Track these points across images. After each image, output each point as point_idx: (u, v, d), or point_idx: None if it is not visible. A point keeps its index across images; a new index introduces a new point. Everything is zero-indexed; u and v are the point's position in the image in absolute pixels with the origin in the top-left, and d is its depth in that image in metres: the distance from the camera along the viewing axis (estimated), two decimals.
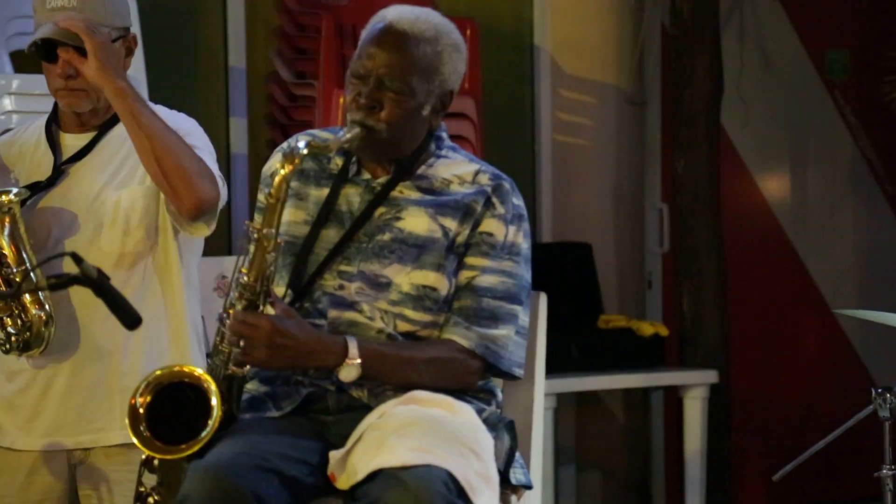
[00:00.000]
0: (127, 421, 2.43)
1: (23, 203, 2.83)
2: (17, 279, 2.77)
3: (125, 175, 2.86)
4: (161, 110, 2.85)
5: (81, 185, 2.86)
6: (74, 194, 2.86)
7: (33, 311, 2.78)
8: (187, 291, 2.90)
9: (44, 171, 2.89)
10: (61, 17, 2.76)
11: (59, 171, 2.86)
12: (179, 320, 2.87)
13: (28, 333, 2.79)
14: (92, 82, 2.75)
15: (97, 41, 2.72)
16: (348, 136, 2.54)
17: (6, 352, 2.82)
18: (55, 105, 2.94)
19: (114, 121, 2.88)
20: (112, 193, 2.84)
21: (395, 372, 2.51)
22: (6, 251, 2.78)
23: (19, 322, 2.78)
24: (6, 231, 2.78)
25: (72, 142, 2.90)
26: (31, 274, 2.73)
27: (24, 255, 2.78)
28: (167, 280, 2.87)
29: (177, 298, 2.87)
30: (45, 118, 2.96)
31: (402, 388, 2.52)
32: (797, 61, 5.78)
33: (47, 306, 2.79)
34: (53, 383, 2.85)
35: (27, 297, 2.77)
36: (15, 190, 2.80)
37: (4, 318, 2.79)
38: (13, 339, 2.79)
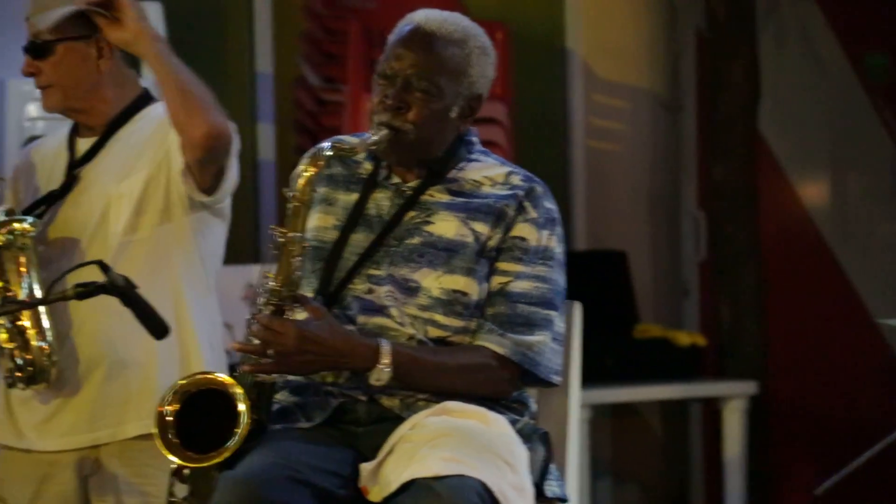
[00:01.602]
0: (155, 430, 2.43)
1: (29, 212, 2.88)
2: (23, 316, 2.82)
3: (128, 170, 2.90)
4: None
5: (91, 187, 2.91)
6: (84, 197, 2.90)
7: (35, 344, 2.82)
8: (198, 285, 2.93)
9: (58, 175, 2.94)
10: (33, 13, 2.87)
11: (72, 176, 2.92)
12: (182, 310, 2.90)
13: (31, 368, 2.82)
14: (133, 34, 2.82)
15: None
16: (375, 137, 2.53)
17: (11, 385, 2.85)
18: None
19: (120, 121, 2.93)
20: (115, 188, 2.89)
21: (426, 377, 2.48)
22: (14, 288, 2.82)
23: (24, 356, 2.82)
24: (18, 267, 2.82)
25: (84, 146, 2.95)
26: (36, 289, 2.79)
27: (34, 287, 2.82)
28: (170, 265, 2.90)
29: (180, 287, 2.91)
30: (68, 126, 3.02)
31: (434, 394, 2.49)
32: (836, 65, 5.72)
33: (49, 336, 2.83)
34: (69, 384, 2.87)
35: (29, 330, 2.82)
36: (30, 219, 2.84)
37: (14, 352, 2.82)
38: (16, 374, 2.83)
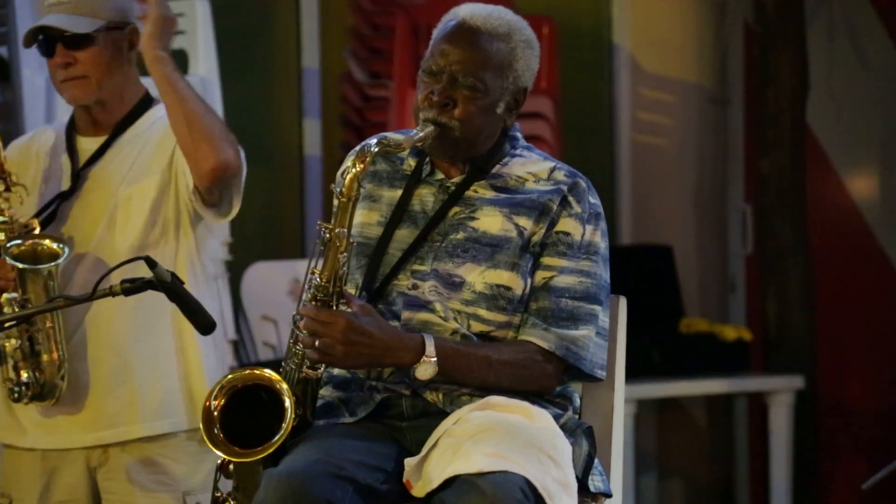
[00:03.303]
0: (201, 425, 2.43)
1: (41, 213, 2.88)
2: (40, 340, 2.83)
3: (137, 172, 2.91)
4: None
5: (99, 188, 2.92)
6: (93, 197, 2.91)
7: (46, 360, 2.83)
8: (200, 290, 2.94)
9: (60, 175, 2.95)
10: (59, 11, 2.85)
11: (78, 176, 2.92)
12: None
13: (41, 386, 2.83)
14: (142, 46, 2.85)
15: (160, 12, 2.85)
16: (421, 134, 2.52)
17: (16, 400, 2.86)
18: (73, 112, 2.99)
19: (127, 122, 2.94)
20: (124, 190, 2.90)
21: (471, 371, 2.48)
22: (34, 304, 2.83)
23: (35, 374, 2.83)
24: (42, 294, 2.83)
25: (88, 145, 2.96)
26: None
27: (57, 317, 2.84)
28: (176, 269, 2.87)
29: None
30: (61, 122, 3.02)
31: (479, 388, 2.49)
32: (885, 57, 5.65)
33: (62, 349, 2.84)
34: (74, 383, 2.88)
35: (43, 345, 2.82)
36: (60, 245, 2.84)
37: (19, 364, 2.83)
38: (23, 388, 2.83)
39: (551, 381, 2.54)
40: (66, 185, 2.92)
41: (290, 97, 4.89)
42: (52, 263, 2.81)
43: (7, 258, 2.80)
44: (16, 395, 2.84)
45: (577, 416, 2.59)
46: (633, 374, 3.05)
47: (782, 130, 5.36)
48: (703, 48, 5.61)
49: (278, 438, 2.38)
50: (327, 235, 2.45)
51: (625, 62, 5.48)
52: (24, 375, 2.82)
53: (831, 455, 5.54)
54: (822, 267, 5.49)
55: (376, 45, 4.87)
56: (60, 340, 2.84)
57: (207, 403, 2.43)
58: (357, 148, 2.49)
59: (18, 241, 2.82)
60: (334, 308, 2.44)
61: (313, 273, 2.45)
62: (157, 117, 2.93)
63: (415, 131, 2.53)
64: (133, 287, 2.51)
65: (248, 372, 2.47)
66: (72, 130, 2.97)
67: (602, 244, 2.58)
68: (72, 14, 2.85)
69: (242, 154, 2.89)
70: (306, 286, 2.47)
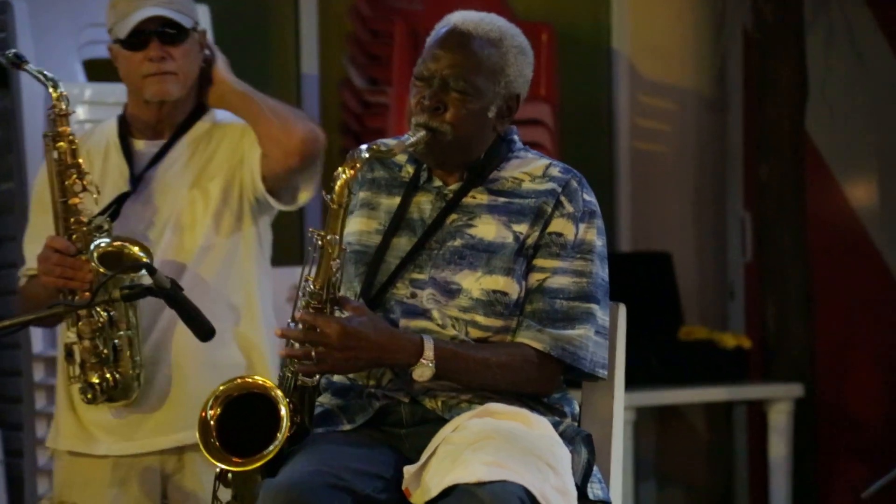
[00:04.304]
0: (197, 435, 2.43)
1: (106, 210, 2.89)
2: (118, 345, 2.83)
3: (201, 176, 2.94)
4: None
5: (162, 192, 2.94)
6: (155, 200, 2.93)
7: (123, 362, 2.82)
8: (266, 290, 3.00)
9: (116, 178, 2.96)
10: (155, 4, 2.88)
11: (139, 179, 2.94)
12: (254, 309, 2.95)
13: (114, 390, 2.83)
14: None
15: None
16: (413, 139, 2.52)
17: (90, 401, 2.85)
18: (123, 115, 3.00)
19: (185, 126, 2.96)
20: (189, 194, 2.92)
21: (469, 374, 2.48)
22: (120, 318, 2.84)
23: (110, 377, 2.82)
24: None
25: (146, 148, 2.97)
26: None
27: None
28: (244, 267, 2.96)
29: (252, 288, 2.97)
30: (109, 124, 3.03)
31: (477, 390, 2.49)
32: (884, 65, 5.65)
33: (139, 354, 2.84)
34: (151, 385, 2.89)
35: (125, 349, 2.82)
36: (141, 252, 2.84)
37: (88, 367, 2.81)
38: (98, 389, 2.83)
39: (548, 383, 2.54)
40: (124, 187, 2.94)
41: (289, 103, 4.87)
42: (136, 274, 2.78)
43: (92, 260, 2.78)
44: (89, 396, 2.83)
45: (575, 424, 2.59)
46: (632, 382, 3.05)
47: (781, 137, 5.35)
48: (702, 55, 5.61)
49: (274, 448, 2.38)
50: (320, 242, 2.45)
51: (624, 69, 5.48)
52: (95, 378, 2.81)
53: (831, 463, 5.53)
54: (822, 274, 5.49)
55: (375, 51, 4.86)
56: (138, 345, 2.84)
57: (203, 414, 2.43)
58: (349, 154, 2.49)
59: (104, 242, 2.81)
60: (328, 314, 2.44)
61: (307, 280, 2.46)
62: (219, 120, 2.98)
63: (407, 136, 2.53)
64: (132, 293, 2.53)
65: (242, 381, 2.47)
66: (125, 133, 2.99)
67: (598, 242, 2.57)
68: (170, 9, 2.89)
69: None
70: (300, 293, 2.47)
